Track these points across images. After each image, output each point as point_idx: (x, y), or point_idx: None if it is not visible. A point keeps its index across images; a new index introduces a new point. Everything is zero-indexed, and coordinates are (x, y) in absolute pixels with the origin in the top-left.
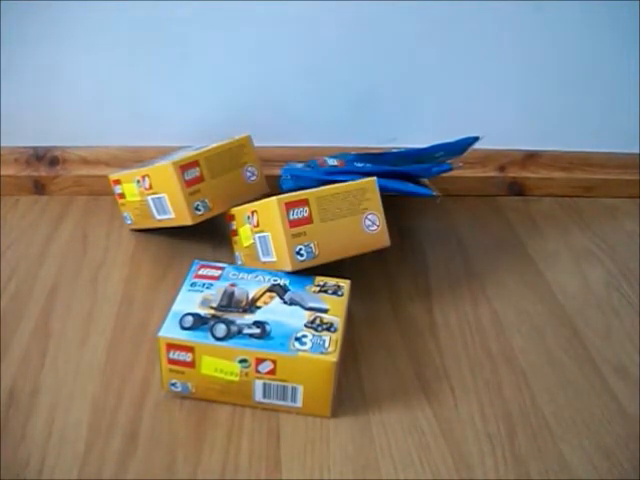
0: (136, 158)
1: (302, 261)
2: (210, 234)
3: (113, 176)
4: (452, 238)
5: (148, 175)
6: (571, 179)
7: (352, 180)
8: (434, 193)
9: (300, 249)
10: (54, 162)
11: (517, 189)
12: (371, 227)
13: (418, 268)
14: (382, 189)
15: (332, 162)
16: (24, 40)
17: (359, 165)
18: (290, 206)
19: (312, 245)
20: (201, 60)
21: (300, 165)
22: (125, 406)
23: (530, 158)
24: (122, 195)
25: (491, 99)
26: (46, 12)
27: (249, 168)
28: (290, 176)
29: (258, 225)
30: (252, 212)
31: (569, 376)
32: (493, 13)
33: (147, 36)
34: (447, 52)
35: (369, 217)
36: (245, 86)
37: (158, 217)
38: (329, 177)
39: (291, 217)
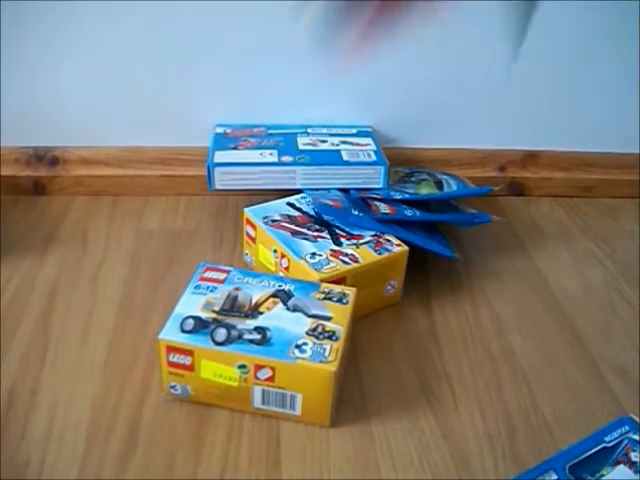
0: (136, 158)
1: None
2: (210, 234)
3: None
4: (452, 238)
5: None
6: (571, 179)
7: (400, 234)
8: (455, 256)
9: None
10: (54, 162)
11: (517, 189)
12: (390, 290)
13: (418, 268)
14: (407, 243)
15: (384, 209)
16: (24, 40)
17: (409, 214)
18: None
19: None
20: (201, 59)
21: (337, 195)
22: (125, 406)
23: (530, 158)
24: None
25: (490, 98)
26: (46, 12)
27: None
28: (341, 222)
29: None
30: (282, 255)
31: (569, 376)
32: (492, 14)
33: (147, 35)
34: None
35: (391, 283)
36: (245, 86)
37: None
38: (383, 229)
39: None
